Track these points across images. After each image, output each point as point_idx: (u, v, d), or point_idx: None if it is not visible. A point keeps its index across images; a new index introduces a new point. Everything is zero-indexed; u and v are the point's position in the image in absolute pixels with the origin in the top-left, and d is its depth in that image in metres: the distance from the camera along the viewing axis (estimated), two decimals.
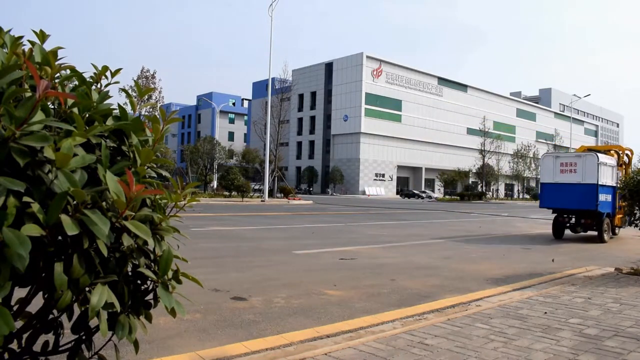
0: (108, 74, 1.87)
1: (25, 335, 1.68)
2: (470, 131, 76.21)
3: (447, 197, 58.23)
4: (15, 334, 1.63)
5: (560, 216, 13.38)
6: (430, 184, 73.65)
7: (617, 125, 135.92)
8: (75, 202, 1.36)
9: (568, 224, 13.31)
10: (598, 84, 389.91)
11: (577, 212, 13.03)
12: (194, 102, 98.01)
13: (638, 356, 3.34)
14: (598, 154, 12.85)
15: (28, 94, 1.39)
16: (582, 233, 13.78)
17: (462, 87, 78.97)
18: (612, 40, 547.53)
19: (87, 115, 1.63)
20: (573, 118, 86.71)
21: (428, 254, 9.24)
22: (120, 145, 1.72)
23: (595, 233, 13.01)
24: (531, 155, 71.89)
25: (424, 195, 59.77)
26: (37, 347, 1.72)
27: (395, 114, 68.75)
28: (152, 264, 1.73)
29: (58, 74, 1.64)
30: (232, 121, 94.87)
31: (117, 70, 1.88)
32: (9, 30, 1.58)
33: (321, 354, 3.24)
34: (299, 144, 74.52)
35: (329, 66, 70.02)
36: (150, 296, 1.80)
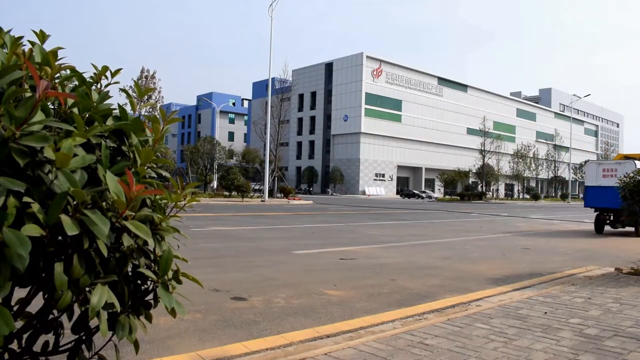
0: (108, 74, 1.86)
1: (25, 336, 1.68)
2: (470, 131, 76.23)
3: (447, 197, 58.23)
4: (15, 334, 1.62)
5: (602, 214, 15.42)
6: (430, 184, 73.66)
7: (617, 125, 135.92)
8: (75, 202, 1.36)
9: (608, 221, 15.41)
10: (598, 84, 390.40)
11: (616, 211, 14.71)
12: (194, 102, 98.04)
13: (638, 356, 3.34)
14: (635, 161, 14.68)
15: (28, 94, 1.39)
16: (621, 229, 15.86)
17: (462, 87, 78.98)
18: (612, 40, 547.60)
19: (87, 116, 1.63)
20: (573, 118, 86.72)
21: (428, 253, 9.24)
22: (120, 145, 1.72)
23: (632, 229, 15.16)
24: (531, 155, 71.96)
25: (424, 195, 59.77)
26: (37, 347, 1.72)
27: (395, 114, 68.76)
28: (152, 264, 1.73)
29: (58, 74, 1.64)
30: (232, 121, 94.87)
31: (117, 71, 1.88)
32: (9, 30, 1.58)
33: (321, 354, 3.24)
34: (299, 144, 74.52)
35: (329, 66, 70.02)
36: (151, 296, 1.80)
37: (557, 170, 79.73)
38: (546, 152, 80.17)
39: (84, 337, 1.74)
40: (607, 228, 16.27)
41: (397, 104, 68.85)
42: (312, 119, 72.76)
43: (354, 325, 4.16)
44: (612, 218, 15.31)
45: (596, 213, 15.72)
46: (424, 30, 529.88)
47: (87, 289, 1.48)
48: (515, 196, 75.19)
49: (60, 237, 1.40)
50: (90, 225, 1.34)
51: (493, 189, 68.25)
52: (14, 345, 1.65)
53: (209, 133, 67.80)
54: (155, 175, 1.86)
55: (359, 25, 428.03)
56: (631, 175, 8.62)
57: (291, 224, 15.55)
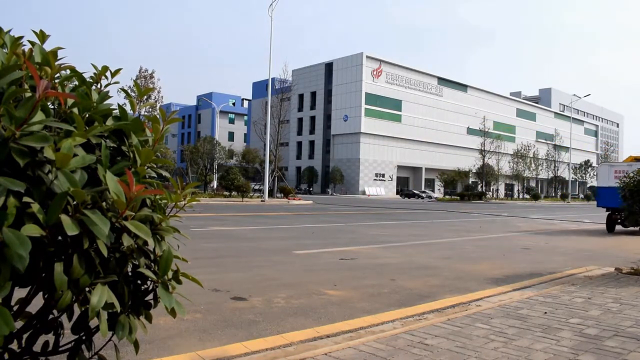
0: (108, 74, 1.87)
1: (25, 336, 1.68)
2: (470, 131, 76.23)
3: (447, 197, 58.23)
4: (15, 334, 1.62)
5: (613, 214, 16.09)
6: (430, 184, 73.66)
7: (617, 125, 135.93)
8: (75, 202, 1.36)
9: (619, 220, 15.96)
10: (598, 84, 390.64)
11: None
12: (194, 102, 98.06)
13: (638, 356, 3.34)
14: None
15: (28, 94, 1.39)
16: (631, 228, 16.53)
17: (462, 87, 78.98)
18: (612, 40, 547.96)
19: (87, 116, 1.63)
20: (573, 118, 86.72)
21: (428, 253, 9.24)
22: (120, 145, 1.72)
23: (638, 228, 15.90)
24: (531, 155, 71.98)
25: (424, 195, 59.77)
26: (37, 347, 1.72)
27: (395, 114, 68.75)
28: (152, 264, 1.73)
29: (58, 74, 1.64)
30: (232, 121, 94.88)
31: (117, 71, 1.88)
32: (9, 31, 1.58)
33: (321, 354, 3.24)
34: (299, 144, 74.51)
35: (329, 66, 70.02)
36: (151, 296, 1.80)
37: (557, 170, 79.77)
38: (546, 152, 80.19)
39: (84, 337, 1.74)
40: (618, 227, 16.80)
41: (397, 104, 68.84)
42: (312, 119, 72.75)
43: (354, 325, 4.16)
44: (623, 217, 15.83)
45: (608, 213, 16.25)
46: (424, 30, 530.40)
47: (87, 289, 1.48)
48: (515, 196, 75.20)
49: (60, 237, 1.40)
50: (90, 225, 1.34)
51: (493, 189, 68.26)
52: (14, 345, 1.65)
53: (209, 133, 67.79)
54: (155, 175, 1.86)
55: (359, 25, 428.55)
56: (631, 175, 8.63)
57: (291, 224, 15.55)
